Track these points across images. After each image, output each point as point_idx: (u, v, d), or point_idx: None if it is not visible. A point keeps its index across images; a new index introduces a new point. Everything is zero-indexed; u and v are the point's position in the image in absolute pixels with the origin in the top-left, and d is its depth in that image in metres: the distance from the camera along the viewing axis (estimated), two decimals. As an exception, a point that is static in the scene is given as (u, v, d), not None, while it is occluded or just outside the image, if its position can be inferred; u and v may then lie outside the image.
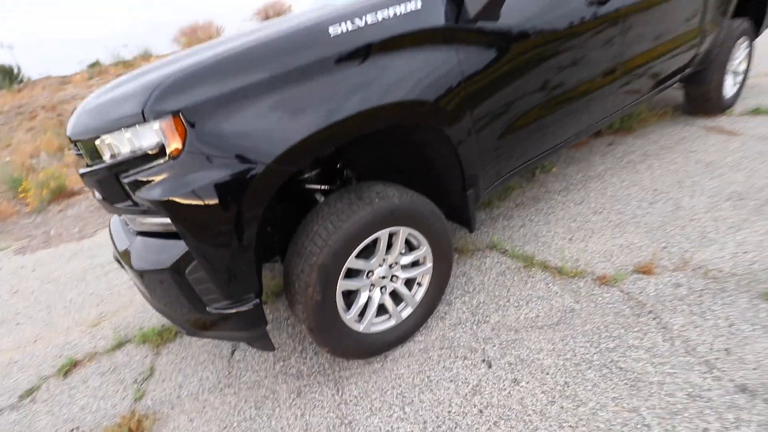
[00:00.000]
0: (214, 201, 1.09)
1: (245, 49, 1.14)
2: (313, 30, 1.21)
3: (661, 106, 3.54)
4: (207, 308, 1.26)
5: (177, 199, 1.07)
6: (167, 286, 1.24)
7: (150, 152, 1.09)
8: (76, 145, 1.35)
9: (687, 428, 1.19)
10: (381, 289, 1.61)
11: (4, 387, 2.05)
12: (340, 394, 1.57)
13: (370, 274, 1.54)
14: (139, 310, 2.44)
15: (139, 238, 1.34)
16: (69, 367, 2.07)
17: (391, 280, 1.62)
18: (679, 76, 2.72)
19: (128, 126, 1.08)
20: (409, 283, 1.69)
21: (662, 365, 1.39)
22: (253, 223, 1.17)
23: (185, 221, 1.10)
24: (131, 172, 1.13)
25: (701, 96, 3.10)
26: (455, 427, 1.35)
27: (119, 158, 1.14)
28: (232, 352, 1.93)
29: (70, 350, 2.22)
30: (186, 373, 1.87)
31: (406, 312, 1.68)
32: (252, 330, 1.34)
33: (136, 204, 1.19)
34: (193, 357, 1.96)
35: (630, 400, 1.30)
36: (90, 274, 3.08)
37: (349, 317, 1.51)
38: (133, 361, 2.02)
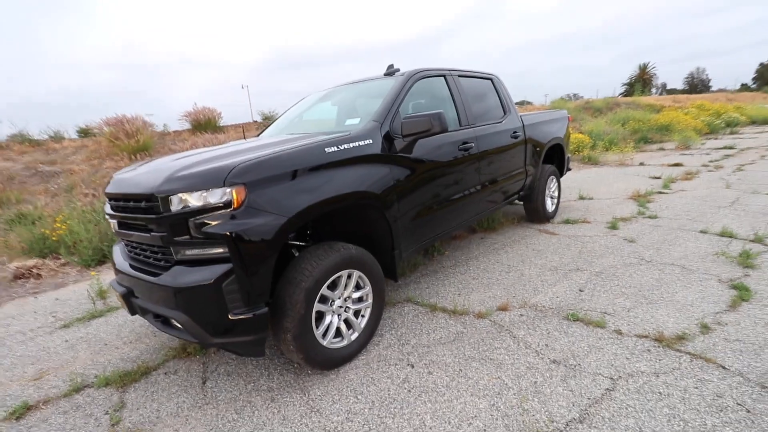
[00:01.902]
0: (258, 236, 1.79)
1: (281, 154, 1.99)
2: (316, 149, 2.12)
3: (512, 215, 5.15)
4: (229, 314, 1.82)
5: (236, 233, 1.74)
6: (204, 297, 1.78)
7: (218, 205, 1.77)
8: (125, 201, 1.94)
9: (529, 382, 2.05)
10: (338, 316, 2.29)
11: (-66, 440, 2.00)
12: (306, 395, 2.10)
13: (332, 303, 2.24)
14: (87, 364, 2.57)
15: (177, 266, 1.88)
16: (22, 411, 2.13)
17: (345, 310, 2.32)
18: (516, 196, 4.24)
19: (207, 188, 1.77)
20: (355, 314, 2.40)
21: (513, 354, 2.29)
22: (276, 252, 1.86)
23: (237, 248, 1.75)
24: (200, 217, 1.78)
25: (533, 210, 4.72)
26: (392, 401, 1.99)
27: (190, 208, 1.79)
28: (204, 381, 2.28)
29: (14, 400, 2.25)
30: (160, 401, 2.15)
31: (354, 336, 2.35)
32: (256, 334, 1.89)
33: (191, 238, 1.80)
34: (164, 390, 2.24)
35: (497, 372, 2.14)
36: (10, 340, 3.00)
37: (318, 332, 2.14)
38: (98, 400, 2.20)
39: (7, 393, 2.32)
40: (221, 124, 11.15)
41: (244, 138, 3.28)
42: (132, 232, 2.04)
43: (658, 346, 2.27)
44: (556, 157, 5.10)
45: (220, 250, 1.82)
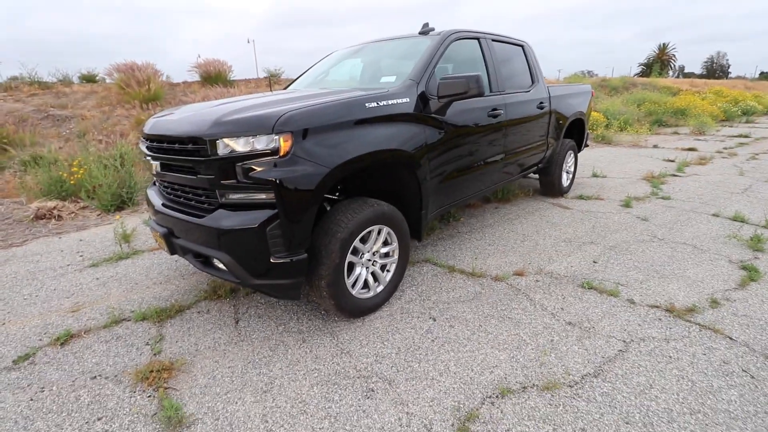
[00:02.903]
0: (303, 184, 1.84)
1: (325, 105, 2.00)
2: (358, 103, 2.14)
3: (525, 188, 5.19)
4: (271, 258, 1.90)
5: (282, 180, 1.80)
6: (248, 240, 1.86)
7: (265, 152, 1.81)
8: (170, 143, 1.98)
9: (546, 339, 2.17)
10: (366, 268, 2.38)
11: (-14, 358, 2.13)
12: (336, 338, 2.23)
13: (362, 255, 2.32)
14: (122, 300, 2.70)
15: (221, 209, 1.94)
16: (66, 338, 2.26)
17: (372, 264, 2.42)
18: (535, 168, 4.26)
19: (255, 135, 1.81)
20: (381, 268, 2.50)
21: (530, 315, 2.41)
22: (318, 200, 1.92)
23: (283, 195, 1.81)
24: (247, 162, 1.82)
25: (549, 183, 4.75)
26: (417, 349, 2.12)
27: (237, 153, 1.83)
28: (237, 321, 2.41)
29: (55, 328, 2.38)
30: (197, 336, 2.28)
31: (379, 288, 2.46)
32: (294, 278, 1.98)
33: (238, 182, 1.85)
34: (199, 327, 2.37)
35: (515, 330, 2.27)
36: (42, 276, 3.11)
37: (349, 282, 2.24)
38: (137, 332, 2.33)
39: (48, 322, 2.45)
40: (231, 79, 10.92)
41: (271, 90, 3.25)
42: (177, 174, 2.09)
43: (669, 316, 2.39)
44: (575, 132, 5.07)
45: (264, 196, 1.88)
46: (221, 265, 2.00)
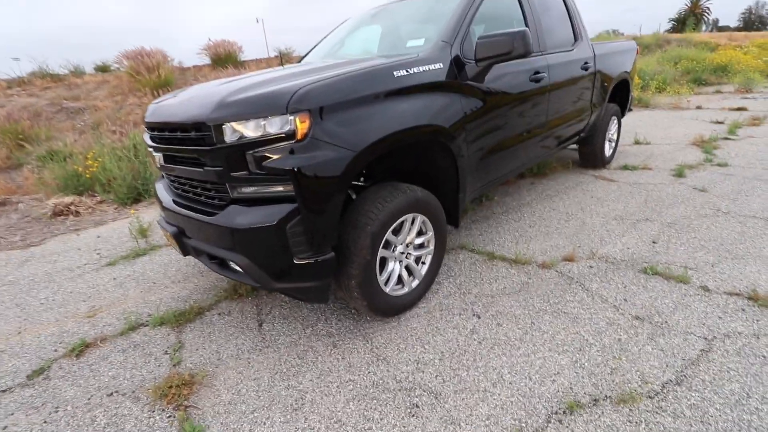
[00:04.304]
0: (324, 172, 1.56)
1: (346, 77, 1.69)
2: (384, 72, 1.81)
3: (564, 160, 4.76)
4: (294, 259, 1.65)
5: (301, 169, 1.52)
6: (266, 239, 1.61)
7: (279, 136, 1.53)
8: (171, 131, 1.71)
9: (612, 339, 1.88)
10: (399, 262, 2.12)
11: (1, 372, 2.00)
12: (370, 342, 1.99)
13: (395, 248, 2.05)
14: (139, 303, 2.53)
15: (233, 205, 1.70)
16: (81, 348, 2.11)
17: (406, 257, 2.15)
18: (578, 137, 3.84)
19: (266, 116, 1.52)
20: (416, 261, 2.23)
21: (589, 308, 2.11)
22: (344, 191, 1.65)
23: (303, 185, 1.54)
24: (259, 149, 1.55)
25: (590, 154, 4.32)
26: (463, 353, 1.87)
27: (246, 139, 1.55)
28: (260, 324, 2.21)
29: (71, 337, 2.23)
30: (219, 343, 2.09)
31: (415, 283, 2.20)
32: (321, 280, 1.74)
33: (250, 174, 1.59)
34: (220, 331, 2.18)
35: (573, 327, 1.98)
36: (59, 277, 2.99)
37: (381, 279, 1.98)
38: (155, 339, 2.16)
39: (64, 330, 2.31)
40: (242, 59, 10.59)
41: (282, 65, 2.94)
42: (181, 167, 1.84)
43: (754, 306, 2.05)
44: (618, 95, 4.55)
45: (281, 188, 1.61)
46: (238, 268, 1.77)
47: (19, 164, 5.93)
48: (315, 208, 1.60)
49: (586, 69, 3.42)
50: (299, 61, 3.35)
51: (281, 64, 3.33)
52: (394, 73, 1.84)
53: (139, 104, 7.34)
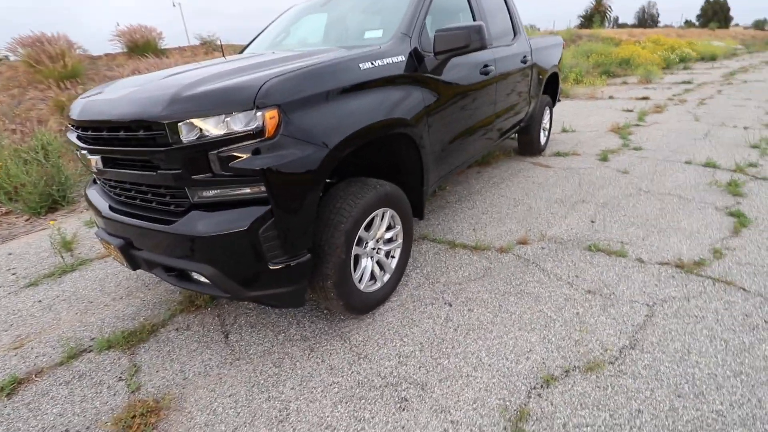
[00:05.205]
0: (298, 171, 1.48)
1: (313, 69, 1.61)
2: (350, 63, 1.76)
3: (505, 149, 5.04)
4: (268, 264, 1.56)
5: (273, 168, 1.43)
6: (236, 246, 1.49)
7: (246, 133, 1.42)
8: (111, 130, 1.52)
9: (571, 313, 2.04)
10: (370, 258, 2.10)
11: None
12: (348, 342, 1.96)
13: (366, 245, 2.03)
14: (76, 326, 2.24)
15: (194, 211, 1.55)
16: (12, 386, 1.82)
17: (377, 252, 2.13)
18: (519, 126, 4.08)
19: (229, 112, 1.40)
20: (386, 255, 2.22)
21: (547, 287, 2.27)
22: (318, 189, 1.58)
23: (275, 186, 1.45)
24: (224, 149, 1.42)
25: (528, 142, 4.61)
26: (441, 342, 1.92)
27: (207, 138, 1.42)
28: (226, 335, 2.07)
29: (-4, 373, 1.92)
30: (181, 361, 1.92)
31: (386, 277, 2.20)
32: (297, 284, 1.66)
33: (214, 176, 1.46)
34: (181, 348, 2.01)
35: (537, 306, 2.12)
36: (-35, 305, 2.54)
37: (355, 277, 1.95)
38: (104, 366, 1.92)
39: (-16, 364, 1.97)
40: (162, 48, 9.66)
41: (224, 57, 2.72)
42: (127, 171, 1.64)
43: (681, 272, 2.35)
44: (549, 87, 4.91)
45: (248, 189, 1.51)
46: (203, 279, 1.63)
47: None
48: (290, 209, 1.52)
49: (524, 62, 3.63)
50: (241, 52, 3.14)
51: (223, 53, 3.09)
52: (360, 65, 1.80)
53: (42, 98, 6.39)
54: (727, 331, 1.88)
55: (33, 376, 1.88)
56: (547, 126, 4.92)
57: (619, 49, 15.40)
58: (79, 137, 1.84)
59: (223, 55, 2.90)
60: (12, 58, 7.61)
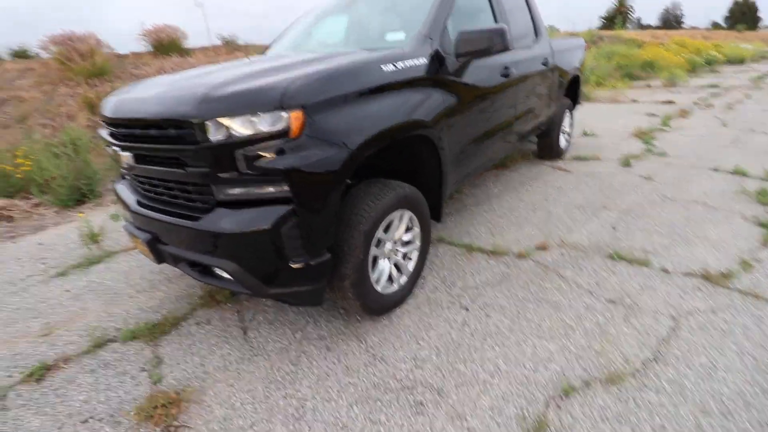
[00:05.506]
0: (321, 171, 1.50)
1: (336, 70, 1.62)
2: (372, 65, 1.77)
3: (524, 152, 4.98)
4: (290, 262, 1.58)
5: (296, 168, 1.45)
6: (259, 244, 1.52)
7: (272, 133, 1.44)
8: (143, 128, 1.57)
9: (592, 323, 2.00)
10: (388, 259, 2.11)
11: (-58, 407, 1.74)
12: (364, 343, 1.97)
13: (384, 246, 2.04)
14: (102, 317, 2.31)
15: (220, 208, 1.58)
16: (41, 372, 1.89)
17: (394, 254, 2.14)
18: (540, 128, 4.02)
19: (256, 113, 1.43)
20: (403, 257, 2.23)
21: (567, 295, 2.24)
22: (340, 190, 1.60)
23: (299, 186, 1.47)
24: (250, 148, 1.45)
25: (548, 146, 4.55)
26: (458, 347, 1.91)
27: (235, 137, 1.45)
28: (245, 331, 2.10)
29: (27, 359, 1.99)
30: (202, 355, 1.96)
31: (403, 279, 2.20)
32: (316, 282, 1.68)
33: (240, 175, 1.49)
34: (201, 342, 2.05)
35: (556, 314, 2.08)
36: (-2, 292, 2.65)
37: (373, 278, 1.96)
38: (129, 356, 1.98)
39: (16, 352, 2.06)
40: (186, 47, 9.88)
41: (247, 57, 2.77)
42: (158, 168, 1.68)
43: (708, 284, 2.28)
44: (570, 90, 4.83)
45: (272, 189, 1.53)
46: (226, 275, 1.66)
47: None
48: (312, 209, 1.54)
49: (545, 65, 3.58)
50: (264, 53, 3.19)
51: (246, 54, 3.14)
52: (383, 67, 1.81)
53: (72, 94, 6.61)
54: (757, 347, 1.82)
55: (61, 363, 1.95)
56: (568, 129, 4.84)
57: (642, 51, 15.05)
58: (111, 134, 1.90)
59: (247, 56, 2.94)
60: (45, 55, 7.89)
